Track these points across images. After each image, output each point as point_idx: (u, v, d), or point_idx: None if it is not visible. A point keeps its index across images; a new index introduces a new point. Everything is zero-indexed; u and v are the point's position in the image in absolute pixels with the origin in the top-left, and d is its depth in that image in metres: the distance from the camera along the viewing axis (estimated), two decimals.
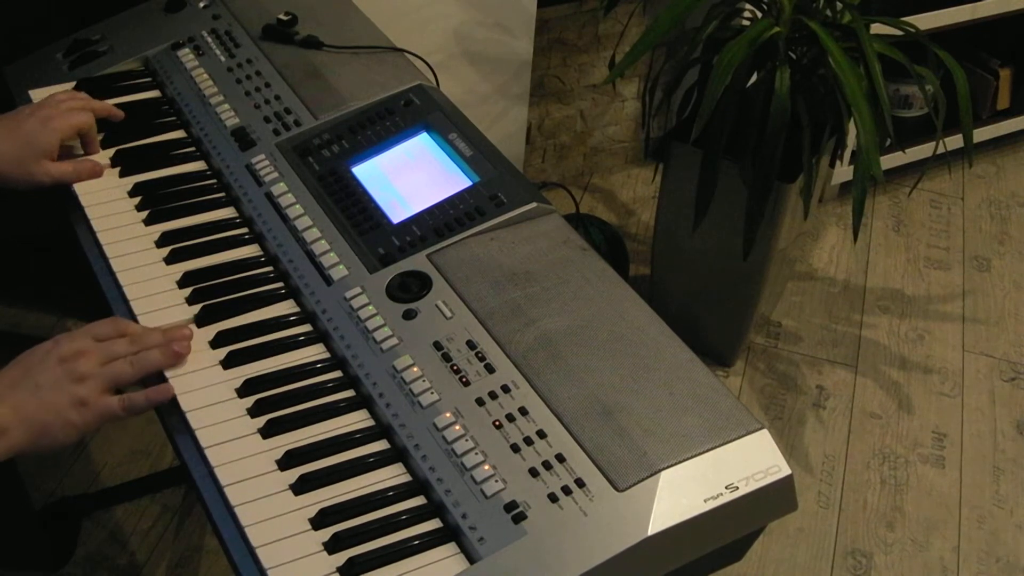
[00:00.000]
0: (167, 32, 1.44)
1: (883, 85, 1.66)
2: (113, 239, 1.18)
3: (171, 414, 1.02)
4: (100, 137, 1.30)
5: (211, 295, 1.12)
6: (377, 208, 1.18)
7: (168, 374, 1.03)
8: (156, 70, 1.41)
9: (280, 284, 1.14)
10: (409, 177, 1.22)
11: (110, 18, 1.48)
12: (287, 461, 0.97)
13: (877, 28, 1.80)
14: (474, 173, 1.19)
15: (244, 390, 1.03)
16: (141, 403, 1.01)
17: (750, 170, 1.78)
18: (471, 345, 1.02)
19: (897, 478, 2.00)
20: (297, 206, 1.19)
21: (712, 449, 0.93)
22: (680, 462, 0.92)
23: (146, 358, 1.02)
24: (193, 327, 1.08)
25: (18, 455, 0.97)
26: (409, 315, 1.06)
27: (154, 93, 1.39)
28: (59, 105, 1.25)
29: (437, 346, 1.03)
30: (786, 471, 0.93)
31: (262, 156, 1.25)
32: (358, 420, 1.01)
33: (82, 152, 1.28)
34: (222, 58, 1.39)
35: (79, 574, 1.75)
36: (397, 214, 1.17)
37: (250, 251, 1.18)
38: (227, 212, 1.23)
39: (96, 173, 1.25)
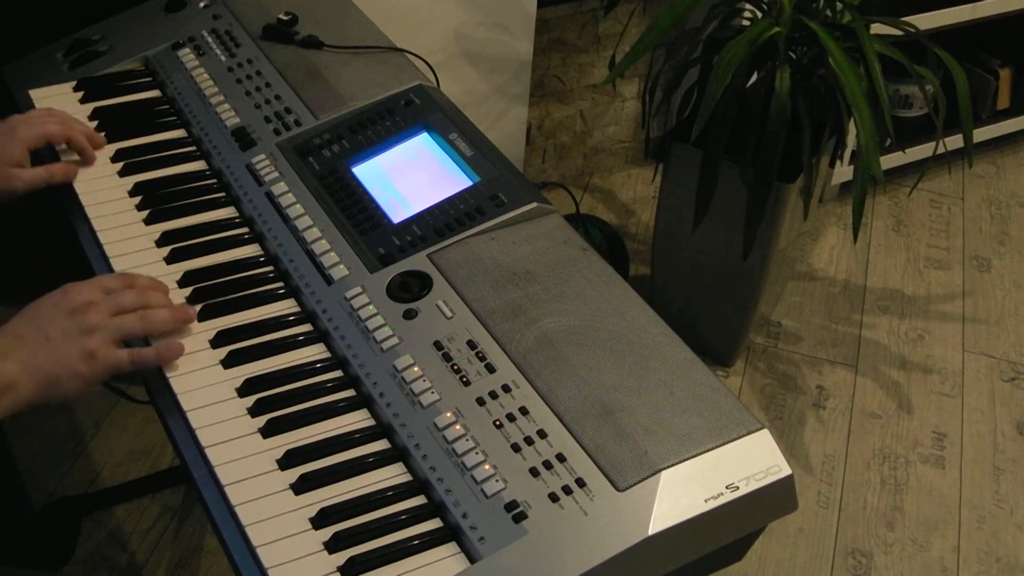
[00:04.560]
0: (167, 32, 1.44)
1: (883, 85, 1.66)
2: (113, 239, 1.18)
3: (171, 413, 1.02)
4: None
5: (211, 294, 1.12)
6: (377, 208, 1.18)
7: (168, 374, 1.03)
8: (156, 70, 1.41)
9: (280, 284, 1.14)
10: (409, 177, 1.22)
11: (110, 18, 1.48)
12: (287, 461, 0.97)
13: (877, 28, 1.80)
14: (474, 173, 1.19)
15: (244, 390, 1.03)
16: (151, 358, 1.02)
17: (750, 170, 1.78)
18: (471, 345, 1.02)
19: (897, 478, 2.00)
20: (297, 206, 1.19)
21: (712, 449, 0.93)
22: (680, 462, 0.92)
23: (156, 316, 1.03)
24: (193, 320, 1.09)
25: (27, 408, 0.96)
26: (409, 315, 1.06)
27: (154, 93, 1.39)
28: (28, 117, 1.24)
29: (437, 346, 1.03)
30: (786, 471, 0.93)
31: (262, 156, 1.25)
32: (358, 420, 1.01)
33: (78, 159, 1.26)
34: (222, 58, 1.39)
35: (79, 574, 1.75)
36: (397, 214, 1.17)
37: (250, 251, 1.18)
38: (227, 212, 1.23)
39: (70, 174, 1.24)
